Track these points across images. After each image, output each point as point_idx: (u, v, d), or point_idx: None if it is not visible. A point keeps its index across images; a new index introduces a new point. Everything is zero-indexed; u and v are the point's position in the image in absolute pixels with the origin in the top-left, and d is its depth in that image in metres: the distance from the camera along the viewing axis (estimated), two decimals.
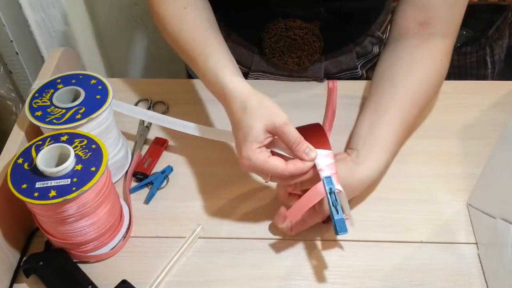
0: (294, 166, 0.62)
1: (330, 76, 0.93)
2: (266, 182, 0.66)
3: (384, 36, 0.93)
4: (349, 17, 0.84)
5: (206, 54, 0.70)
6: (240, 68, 0.93)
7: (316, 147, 0.64)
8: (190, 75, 1.03)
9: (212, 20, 0.77)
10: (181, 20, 0.75)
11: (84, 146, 0.64)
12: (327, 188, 0.62)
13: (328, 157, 0.64)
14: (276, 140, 0.65)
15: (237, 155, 0.66)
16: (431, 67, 0.77)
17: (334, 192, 0.62)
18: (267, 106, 0.63)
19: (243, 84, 0.66)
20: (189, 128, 0.77)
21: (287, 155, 0.64)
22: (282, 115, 0.62)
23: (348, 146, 0.74)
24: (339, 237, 0.70)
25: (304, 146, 0.63)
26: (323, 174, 0.63)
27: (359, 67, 0.93)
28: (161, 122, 0.79)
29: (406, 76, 0.75)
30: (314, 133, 0.66)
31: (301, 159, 0.63)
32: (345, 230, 0.61)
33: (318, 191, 0.63)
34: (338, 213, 0.61)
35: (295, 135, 0.62)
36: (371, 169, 0.69)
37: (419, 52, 0.77)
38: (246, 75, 0.94)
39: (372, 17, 0.89)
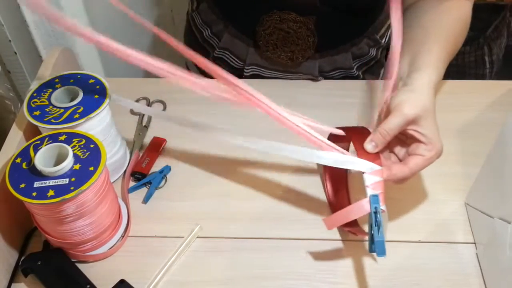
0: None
1: (324, 74, 0.92)
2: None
3: (382, 41, 0.92)
4: (345, 12, 0.84)
5: None
6: (236, 62, 0.93)
7: (367, 159, 0.63)
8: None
9: None
10: None
11: (82, 146, 0.64)
12: (372, 206, 0.60)
13: (378, 174, 0.62)
14: None
15: None
16: (455, 15, 0.76)
17: (378, 212, 0.60)
18: None
19: None
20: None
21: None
22: None
23: (393, 89, 0.71)
24: (338, 236, 0.70)
25: None
26: (370, 192, 0.61)
27: (355, 68, 0.93)
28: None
29: (435, 21, 0.74)
30: (362, 138, 0.65)
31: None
32: (383, 253, 0.59)
33: (362, 207, 0.61)
34: (379, 234, 0.60)
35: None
36: (423, 84, 0.66)
37: (444, 4, 0.76)
38: (242, 70, 0.94)
39: (370, 18, 0.89)
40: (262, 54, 0.90)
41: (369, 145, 0.63)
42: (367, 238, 0.68)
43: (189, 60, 1.02)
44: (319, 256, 0.69)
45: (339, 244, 0.70)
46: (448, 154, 0.80)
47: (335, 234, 0.71)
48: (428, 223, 0.72)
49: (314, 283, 0.66)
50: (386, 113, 0.66)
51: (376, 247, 0.60)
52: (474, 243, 0.69)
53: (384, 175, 0.62)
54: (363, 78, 0.96)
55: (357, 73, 0.94)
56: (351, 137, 0.65)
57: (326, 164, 0.63)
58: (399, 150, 0.67)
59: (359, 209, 0.61)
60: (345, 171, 0.76)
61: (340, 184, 0.75)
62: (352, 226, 0.69)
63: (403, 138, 0.67)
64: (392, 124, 0.63)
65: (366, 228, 0.69)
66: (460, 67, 1.22)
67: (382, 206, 0.61)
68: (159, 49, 1.40)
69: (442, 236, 0.70)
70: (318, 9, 0.82)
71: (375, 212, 0.60)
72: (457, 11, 0.77)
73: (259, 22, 0.85)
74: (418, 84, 0.65)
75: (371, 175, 0.62)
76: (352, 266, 0.67)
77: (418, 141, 0.64)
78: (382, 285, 0.66)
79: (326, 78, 0.93)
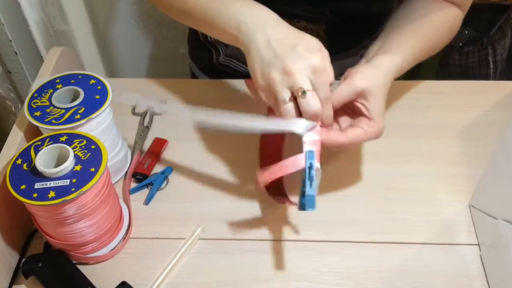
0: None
1: (335, 78, 0.92)
2: (286, 100, 0.61)
3: None
4: (354, 20, 0.84)
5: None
6: (243, 68, 0.93)
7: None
8: (194, 75, 1.03)
9: None
10: None
11: (83, 147, 0.64)
12: (307, 162, 0.61)
13: (316, 132, 0.63)
14: None
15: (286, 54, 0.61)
16: (444, 16, 0.76)
17: (313, 167, 0.60)
18: None
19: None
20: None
21: None
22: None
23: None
24: (340, 237, 0.70)
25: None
26: (306, 148, 0.62)
27: None
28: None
29: (420, 17, 0.74)
30: None
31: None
32: (313, 207, 0.60)
33: (297, 162, 0.61)
34: (311, 188, 0.60)
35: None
36: (383, 66, 0.67)
37: (435, 5, 0.76)
38: (249, 75, 0.93)
39: (378, 21, 0.88)
40: None
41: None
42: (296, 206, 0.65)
43: (193, 63, 1.02)
44: (321, 257, 0.68)
45: (341, 246, 0.69)
46: (452, 155, 0.80)
47: (337, 235, 0.70)
48: (432, 225, 0.71)
49: (316, 285, 0.65)
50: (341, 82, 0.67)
51: (306, 200, 0.60)
52: (478, 244, 0.69)
53: (322, 136, 0.63)
54: None
55: None
56: None
57: (267, 130, 0.62)
58: (343, 121, 0.68)
59: (295, 163, 0.61)
60: (282, 143, 0.75)
61: (275, 157, 0.75)
62: (281, 196, 0.70)
63: (350, 112, 0.67)
64: (340, 92, 0.64)
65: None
66: (463, 67, 1.21)
67: (317, 164, 0.61)
68: (160, 49, 1.40)
69: (445, 238, 0.70)
70: (327, 17, 0.82)
71: (310, 167, 0.60)
72: (446, 15, 0.77)
73: None
74: (378, 64, 0.66)
75: (310, 132, 0.62)
76: (354, 267, 0.67)
77: (362, 115, 0.65)
78: (384, 286, 0.65)
79: None
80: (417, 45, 0.72)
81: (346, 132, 0.64)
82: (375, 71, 0.65)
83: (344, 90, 0.64)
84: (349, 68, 0.67)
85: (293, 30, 0.63)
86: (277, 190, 0.71)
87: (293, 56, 0.59)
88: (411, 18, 0.75)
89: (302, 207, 0.60)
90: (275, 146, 0.74)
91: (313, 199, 0.60)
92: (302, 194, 0.61)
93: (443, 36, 0.77)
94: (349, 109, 0.67)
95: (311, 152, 0.61)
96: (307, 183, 0.60)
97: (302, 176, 0.61)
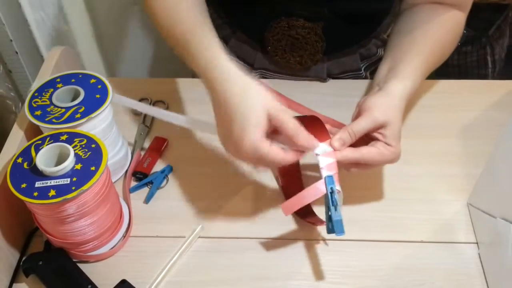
0: (291, 156, 0.62)
1: (332, 76, 0.92)
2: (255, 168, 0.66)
3: None
4: (353, 19, 0.84)
5: (200, 41, 0.68)
6: (242, 64, 0.93)
7: (318, 139, 0.64)
8: (195, 74, 1.03)
9: (205, 11, 0.74)
10: (175, 12, 0.72)
11: (83, 146, 0.64)
12: (328, 187, 0.62)
13: (330, 155, 0.63)
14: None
15: (229, 145, 0.64)
16: (447, 26, 0.77)
17: (334, 192, 0.61)
18: (265, 94, 0.62)
19: (240, 70, 0.64)
20: (179, 120, 0.74)
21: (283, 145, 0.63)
22: (279, 103, 0.62)
23: (368, 92, 0.73)
24: (342, 237, 0.70)
25: (304, 134, 0.61)
26: (324, 173, 0.62)
27: (362, 69, 0.93)
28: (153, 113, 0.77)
29: (425, 31, 0.75)
30: (313, 127, 0.66)
31: (303, 148, 0.62)
32: (342, 231, 0.61)
33: (318, 189, 0.62)
34: (337, 213, 0.61)
35: (295, 123, 0.61)
36: (397, 92, 0.68)
37: (436, 14, 0.77)
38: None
39: (377, 20, 0.89)
40: (271, 58, 0.90)
41: (336, 142, 0.64)
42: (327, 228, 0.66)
43: None
44: (321, 256, 0.68)
45: (341, 244, 0.69)
46: (451, 155, 0.80)
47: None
48: (431, 223, 0.71)
49: (315, 283, 0.66)
50: (358, 113, 0.67)
51: (334, 226, 0.61)
52: (477, 243, 0.69)
53: (336, 155, 0.64)
54: (371, 79, 0.96)
55: (364, 75, 0.94)
56: (304, 124, 0.64)
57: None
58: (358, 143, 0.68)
59: (316, 191, 0.62)
60: (297, 162, 0.75)
61: (293, 175, 0.75)
62: (310, 216, 0.70)
63: (366, 139, 0.68)
64: (361, 126, 0.65)
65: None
66: (462, 67, 1.21)
67: (337, 186, 0.62)
68: (161, 48, 1.40)
69: (444, 236, 0.70)
70: (326, 15, 0.82)
71: (331, 192, 0.61)
72: (450, 22, 0.77)
73: (268, 29, 0.85)
74: (392, 91, 0.67)
75: (324, 156, 0.63)
76: (354, 266, 0.67)
77: (379, 140, 0.66)
78: (383, 285, 0.65)
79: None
80: (426, 62, 0.73)
81: (360, 149, 0.65)
82: (391, 102, 0.66)
83: (364, 125, 0.65)
84: (363, 97, 0.68)
85: (236, 109, 0.62)
86: (305, 212, 0.71)
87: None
88: (416, 33, 0.76)
89: (330, 230, 0.61)
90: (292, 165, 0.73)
91: (341, 224, 0.61)
92: (329, 218, 0.62)
93: (450, 44, 0.78)
94: (365, 137, 0.68)
95: (329, 177, 0.62)
96: (332, 208, 0.61)
97: (326, 201, 0.62)
